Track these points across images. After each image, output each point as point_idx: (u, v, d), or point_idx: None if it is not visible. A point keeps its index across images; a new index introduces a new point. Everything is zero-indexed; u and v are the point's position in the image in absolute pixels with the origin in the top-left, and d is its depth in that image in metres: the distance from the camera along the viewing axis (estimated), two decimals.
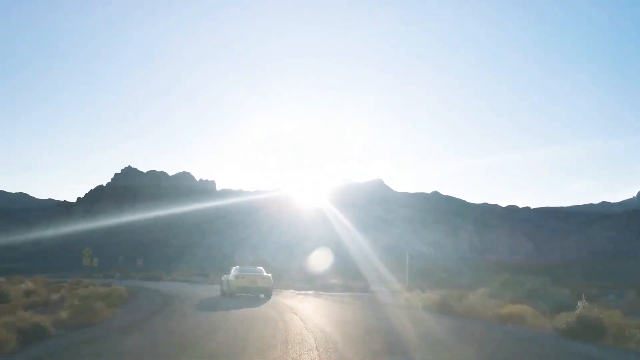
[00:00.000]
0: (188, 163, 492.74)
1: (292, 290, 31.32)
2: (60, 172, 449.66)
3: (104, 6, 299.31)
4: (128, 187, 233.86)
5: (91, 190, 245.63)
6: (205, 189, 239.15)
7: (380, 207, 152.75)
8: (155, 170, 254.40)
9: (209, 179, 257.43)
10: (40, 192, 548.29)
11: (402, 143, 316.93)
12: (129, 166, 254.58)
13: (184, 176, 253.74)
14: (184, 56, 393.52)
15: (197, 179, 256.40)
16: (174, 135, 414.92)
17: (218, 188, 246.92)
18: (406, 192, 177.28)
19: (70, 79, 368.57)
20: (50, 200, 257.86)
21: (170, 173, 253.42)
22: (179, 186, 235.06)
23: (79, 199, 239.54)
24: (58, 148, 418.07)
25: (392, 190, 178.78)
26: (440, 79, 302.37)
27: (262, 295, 21.88)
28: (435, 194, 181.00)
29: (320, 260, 44.47)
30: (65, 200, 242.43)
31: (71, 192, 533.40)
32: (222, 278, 24.47)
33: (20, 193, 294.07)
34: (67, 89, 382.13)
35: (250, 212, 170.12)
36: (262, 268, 24.23)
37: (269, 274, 22.70)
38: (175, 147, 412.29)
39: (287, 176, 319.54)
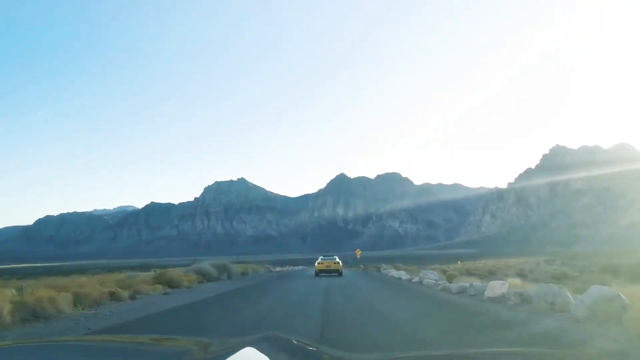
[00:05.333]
0: (627, 133, 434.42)
1: None
2: (490, 161, 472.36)
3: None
4: (558, 164, 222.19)
5: (520, 174, 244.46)
6: None
7: None
8: (587, 146, 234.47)
9: None
10: (473, 181, 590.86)
11: None
12: (557, 145, 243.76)
13: (622, 148, 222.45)
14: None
15: None
16: (605, 107, 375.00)
17: None
18: None
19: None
20: (482, 187, 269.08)
21: (605, 147, 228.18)
22: (617, 159, 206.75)
23: (509, 183, 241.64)
24: (484, 140, 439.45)
25: None
26: None
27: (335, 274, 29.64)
28: None
29: None
30: (496, 187, 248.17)
31: (501, 179, 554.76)
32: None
33: (455, 184, 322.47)
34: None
35: None
36: (335, 256, 32.62)
37: (339, 261, 30.97)
38: (609, 118, 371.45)
39: None
